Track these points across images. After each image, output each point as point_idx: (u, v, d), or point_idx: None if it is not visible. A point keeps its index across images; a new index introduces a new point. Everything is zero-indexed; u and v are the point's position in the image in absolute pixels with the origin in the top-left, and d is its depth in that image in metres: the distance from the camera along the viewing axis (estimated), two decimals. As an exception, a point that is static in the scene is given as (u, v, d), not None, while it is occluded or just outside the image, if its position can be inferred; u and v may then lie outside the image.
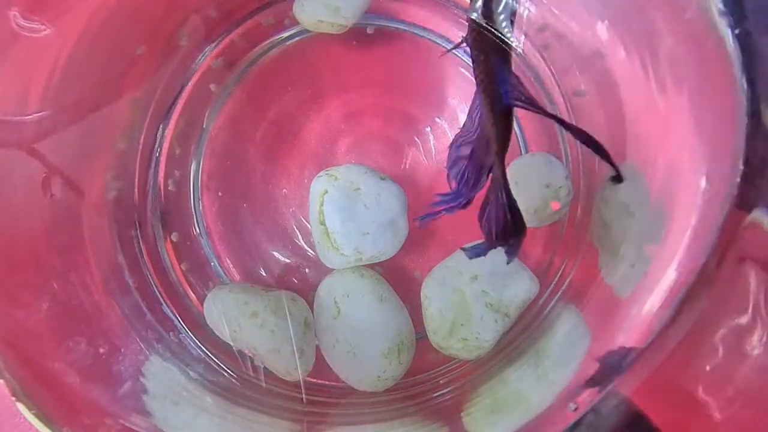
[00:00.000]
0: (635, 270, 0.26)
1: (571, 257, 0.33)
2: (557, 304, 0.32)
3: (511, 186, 0.32)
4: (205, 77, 0.36)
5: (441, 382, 0.33)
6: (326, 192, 0.31)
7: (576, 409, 0.24)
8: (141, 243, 0.34)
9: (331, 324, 0.31)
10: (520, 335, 0.32)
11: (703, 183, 0.24)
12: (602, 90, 0.31)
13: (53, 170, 0.29)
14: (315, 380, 0.33)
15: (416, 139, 0.35)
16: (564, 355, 0.28)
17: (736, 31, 0.23)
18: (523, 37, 0.34)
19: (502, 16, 0.26)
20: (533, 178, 0.31)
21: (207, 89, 0.36)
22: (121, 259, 0.32)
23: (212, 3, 0.34)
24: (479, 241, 0.26)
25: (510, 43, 0.24)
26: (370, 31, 0.36)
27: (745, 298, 0.22)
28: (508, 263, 0.26)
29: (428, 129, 0.35)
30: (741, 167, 0.23)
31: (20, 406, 0.24)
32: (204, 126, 0.36)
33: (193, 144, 0.36)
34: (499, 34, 0.24)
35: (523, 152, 0.35)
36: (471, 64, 0.36)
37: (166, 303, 0.33)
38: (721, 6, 0.23)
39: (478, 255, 0.26)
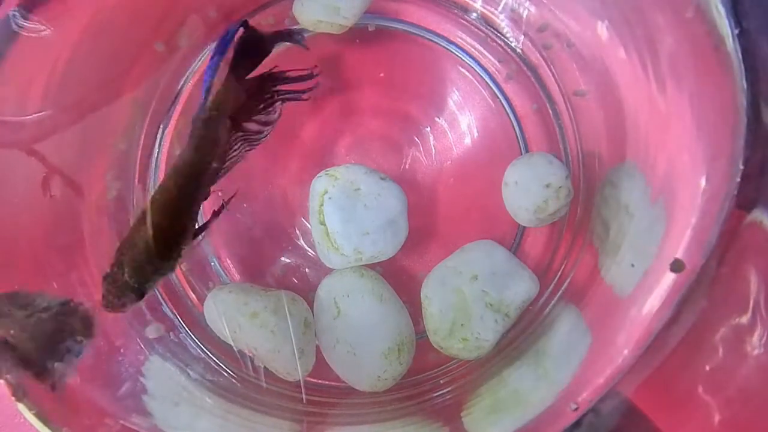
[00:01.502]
0: (635, 270, 0.26)
1: (571, 257, 0.33)
2: (557, 304, 0.32)
3: (511, 186, 0.32)
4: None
5: (441, 382, 0.33)
6: (326, 192, 0.31)
7: (576, 409, 0.24)
8: (141, 243, 0.33)
9: (331, 324, 0.31)
10: (520, 335, 0.32)
11: (703, 183, 0.24)
12: (602, 90, 0.31)
13: (53, 170, 0.29)
14: (315, 380, 0.33)
15: (416, 139, 0.35)
16: (564, 355, 0.28)
17: (736, 31, 0.23)
18: (523, 37, 0.34)
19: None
20: (533, 178, 0.31)
21: (207, 89, 0.36)
22: (121, 259, 0.32)
23: (212, 3, 0.34)
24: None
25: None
26: (371, 29, 0.36)
27: (745, 298, 0.22)
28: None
29: (428, 129, 0.35)
30: (741, 167, 0.23)
31: (20, 406, 0.24)
32: (204, 126, 0.36)
33: (193, 144, 0.36)
34: None
35: (523, 152, 0.35)
36: (469, 64, 0.36)
37: (166, 303, 0.33)
38: (721, 6, 0.23)
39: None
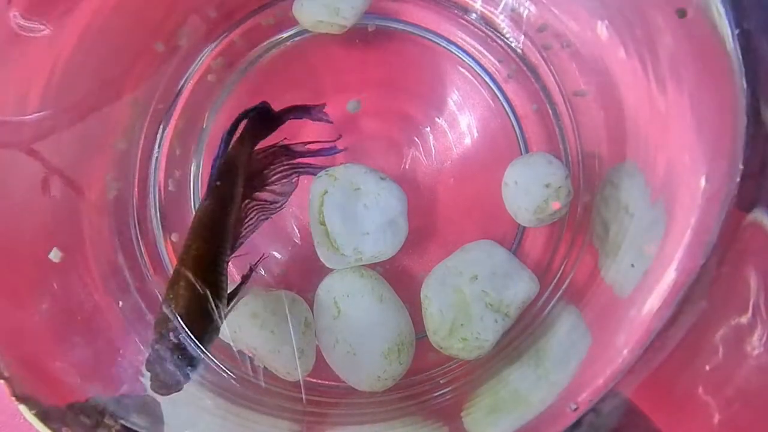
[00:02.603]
0: (635, 270, 0.26)
1: (571, 257, 0.33)
2: (557, 304, 0.32)
3: (511, 186, 0.32)
4: (205, 77, 0.36)
5: (441, 382, 0.33)
6: (326, 192, 0.31)
7: (576, 409, 0.24)
8: (141, 243, 0.34)
9: (331, 324, 0.31)
10: (520, 335, 0.32)
11: (703, 183, 0.24)
12: (602, 90, 0.31)
13: (53, 170, 0.29)
14: (315, 380, 0.33)
15: (416, 139, 0.35)
16: (564, 355, 0.28)
17: (736, 31, 0.23)
18: (523, 37, 0.34)
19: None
20: (533, 178, 0.31)
21: (207, 89, 0.36)
22: (121, 259, 0.32)
23: (212, 3, 0.34)
24: None
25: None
26: (371, 29, 0.36)
27: (745, 298, 0.22)
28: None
29: (428, 129, 0.35)
30: (741, 167, 0.23)
31: (20, 407, 0.24)
32: (204, 126, 0.36)
33: (193, 144, 0.36)
34: None
35: (523, 152, 0.35)
36: (469, 64, 0.36)
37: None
38: (720, 6, 0.23)
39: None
